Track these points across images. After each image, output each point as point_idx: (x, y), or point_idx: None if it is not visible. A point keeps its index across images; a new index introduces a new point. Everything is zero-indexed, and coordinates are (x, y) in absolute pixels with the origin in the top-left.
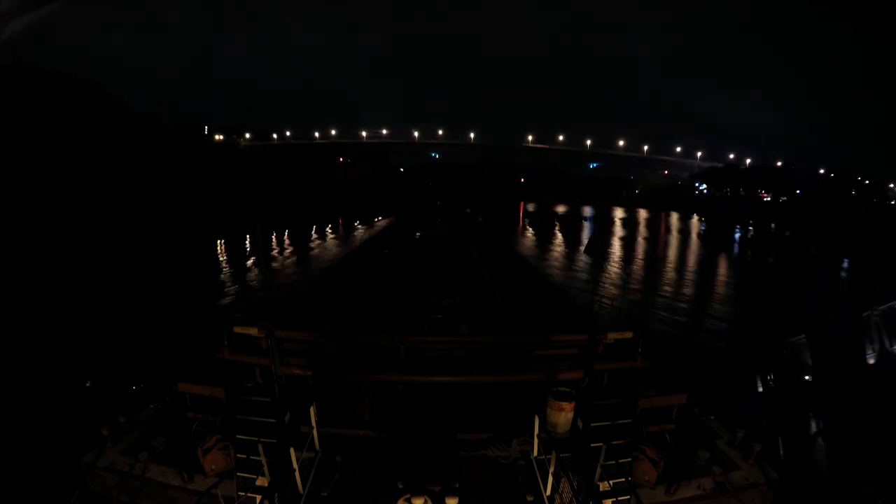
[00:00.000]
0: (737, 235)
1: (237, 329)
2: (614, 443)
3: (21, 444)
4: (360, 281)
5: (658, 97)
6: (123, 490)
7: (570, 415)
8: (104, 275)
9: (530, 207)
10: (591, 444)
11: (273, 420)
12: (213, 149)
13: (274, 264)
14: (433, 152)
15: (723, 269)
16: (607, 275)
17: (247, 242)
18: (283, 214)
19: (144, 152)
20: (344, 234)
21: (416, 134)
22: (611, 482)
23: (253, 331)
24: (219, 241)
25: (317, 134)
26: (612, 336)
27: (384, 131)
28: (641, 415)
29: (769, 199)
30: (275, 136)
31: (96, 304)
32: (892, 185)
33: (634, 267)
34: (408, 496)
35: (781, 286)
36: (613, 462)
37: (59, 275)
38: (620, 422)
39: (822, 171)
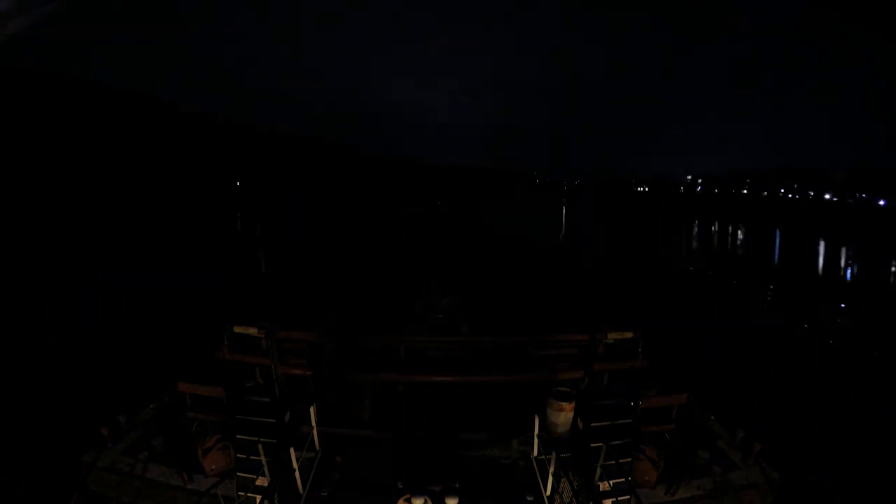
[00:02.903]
0: None
1: (237, 329)
2: (614, 443)
3: (21, 444)
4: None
5: None
6: (123, 490)
7: (570, 415)
8: None
9: None
10: (591, 444)
11: (273, 420)
12: None
13: None
14: None
15: None
16: None
17: None
18: None
19: None
20: None
21: None
22: (611, 482)
23: (253, 331)
24: None
25: None
26: (612, 336)
27: None
28: (641, 415)
29: None
30: None
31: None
32: None
33: None
34: (408, 496)
35: None
36: (613, 462)
37: None
38: (620, 422)
39: None
